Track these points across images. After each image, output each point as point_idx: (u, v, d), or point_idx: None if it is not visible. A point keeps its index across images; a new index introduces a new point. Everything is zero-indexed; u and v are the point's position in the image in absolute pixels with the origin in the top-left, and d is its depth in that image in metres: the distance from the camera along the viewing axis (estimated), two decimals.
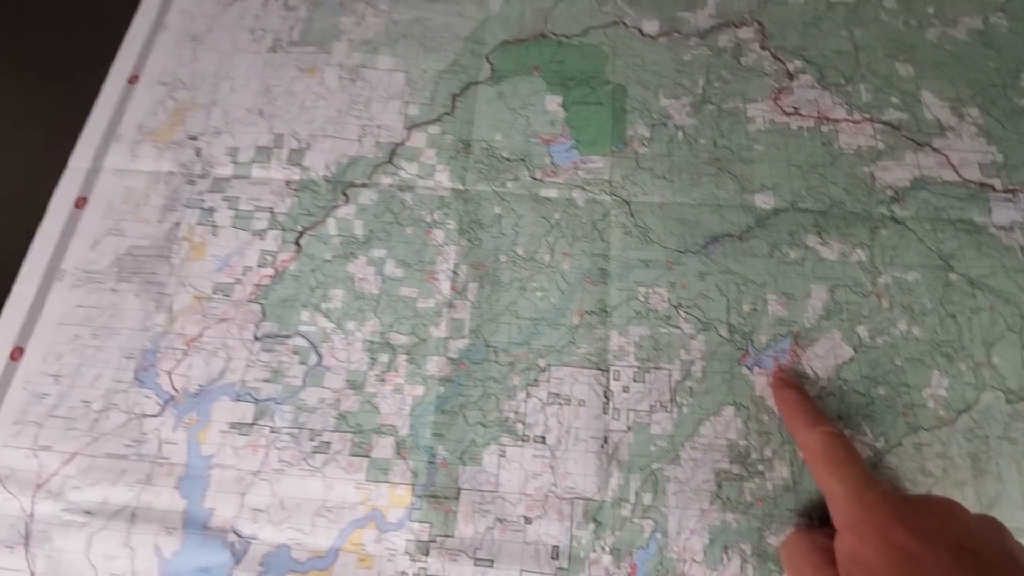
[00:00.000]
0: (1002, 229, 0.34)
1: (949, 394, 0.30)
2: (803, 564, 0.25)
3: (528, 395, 0.30)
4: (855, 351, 0.31)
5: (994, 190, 0.35)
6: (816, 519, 0.28)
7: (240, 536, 0.28)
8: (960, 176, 0.35)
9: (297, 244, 0.34)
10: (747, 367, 0.31)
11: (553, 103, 0.38)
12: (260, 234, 0.35)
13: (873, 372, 0.31)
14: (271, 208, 0.35)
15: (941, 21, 0.40)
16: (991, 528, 0.23)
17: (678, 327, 0.32)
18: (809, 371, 0.31)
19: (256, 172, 0.36)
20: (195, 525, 0.28)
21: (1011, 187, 0.35)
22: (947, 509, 0.23)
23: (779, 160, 0.36)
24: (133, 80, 0.40)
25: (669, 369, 0.31)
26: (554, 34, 0.41)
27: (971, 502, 0.28)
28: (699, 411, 0.30)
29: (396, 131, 0.37)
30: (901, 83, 0.38)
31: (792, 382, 0.30)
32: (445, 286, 0.33)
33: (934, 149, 0.36)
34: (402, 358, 0.31)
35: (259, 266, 0.34)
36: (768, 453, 0.29)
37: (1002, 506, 0.28)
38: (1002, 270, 0.33)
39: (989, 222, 0.34)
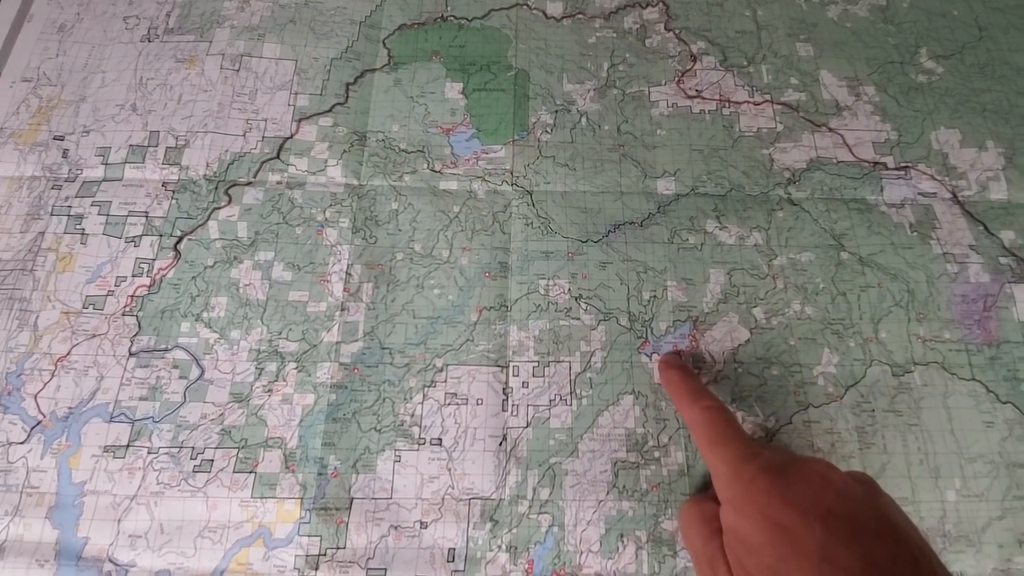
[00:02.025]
0: (892, 207, 0.36)
1: (838, 371, 0.32)
2: (694, 534, 0.26)
3: (425, 397, 0.31)
4: (751, 333, 0.32)
5: (887, 168, 0.37)
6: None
7: (117, 564, 0.27)
8: (854, 155, 0.37)
9: (175, 250, 0.33)
10: (646, 355, 0.32)
11: (453, 90, 0.38)
12: (134, 240, 0.33)
13: (767, 353, 0.32)
14: (146, 212, 0.34)
15: None
16: (864, 489, 0.24)
17: (578, 318, 0.32)
18: (707, 355, 0.32)
19: (129, 173, 0.35)
20: (69, 556, 0.28)
21: (903, 164, 0.37)
22: (821, 476, 0.24)
23: (681, 145, 0.37)
24: None
25: (569, 362, 0.32)
26: (455, 17, 0.40)
27: None
28: (598, 402, 0.31)
29: (284, 124, 0.36)
30: (801, 63, 0.39)
31: (676, 363, 0.31)
32: (338, 288, 0.33)
33: (831, 129, 0.37)
34: (291, 367, 0.31)
35: (134, 275, 0.33)
36: (664, 439, 0.30)
37: (887, 476, 0.30)
38: (891, 247, 0.34)
39: (881, 200, 0.36)
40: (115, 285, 0.32)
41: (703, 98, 0.38)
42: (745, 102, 0.38)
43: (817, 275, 0.34)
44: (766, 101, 0.38)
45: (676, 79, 0.39)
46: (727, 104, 0.38)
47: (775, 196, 0.36)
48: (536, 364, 0.31)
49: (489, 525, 0.28)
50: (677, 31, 0.40)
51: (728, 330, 0.32)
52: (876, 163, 0.37)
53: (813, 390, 0.31)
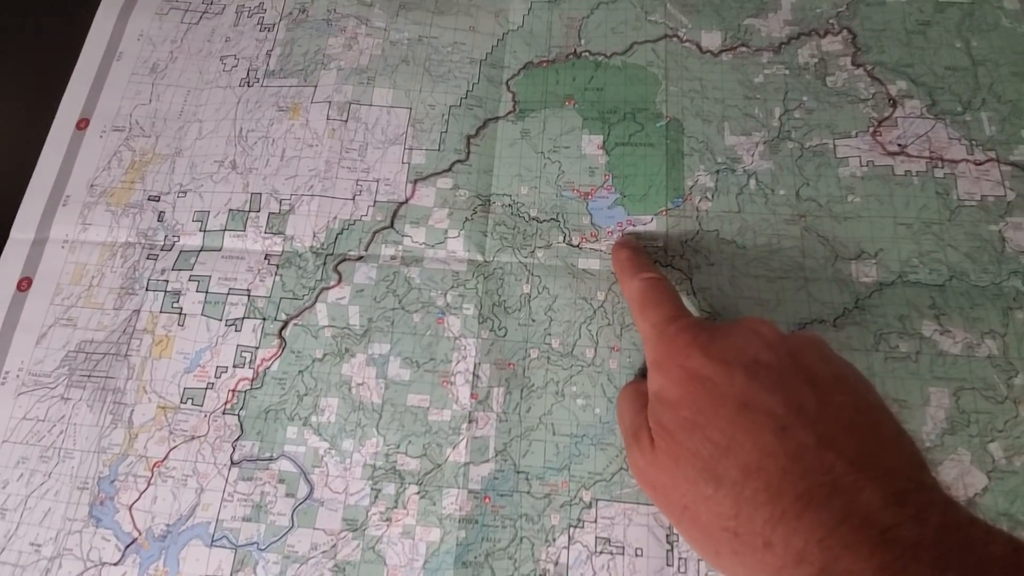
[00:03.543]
0: None
1: None
2: (626, 411, 0.25)
3: (571, 540, 0.26)
4: (989, 478, 0.26)
5: None
6: None
7: None
8: None
9: (280, 337, 0.30)
10: None
11: (592, 144, 0.32)
12: (235, 324, 0.30)
13: (1012, 507, 0.25)
14: (248, 290, 0.30)
15: None
16: (809, 343, 0.23)
17: None
18: None
19: (230, 243, 0.31)
20: None
21: None
22: (751, 329, 0.23)
23: (883, 217, 0.30)
24: (82, 125, 0.35)
25: None
26: (590, 53, 0.35)
27: None
28: None
29: (398, 186, 0.32)
30: None
31: (628, 242, 0.29)
32: (464, 392, 0.28)
33: None
34: (412, 490, 0.27)
35: (235, 366, 0.29)
36: None
37: None
38: None
39: None
40: (215, 376, 0.29)
41: (908, 155, 0.31)
42: (963, 160, 0.31)
43: None
44: (990, 160, 0.31)
45: (871, 130, 0.32)
46: (940, 163, 0.31)
47: (1011, 289, 0.28)
48: None
49: None
50: (869, 67, 0.33)
51: (959, 473, 0.26)
52: None
53: None
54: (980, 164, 0.31)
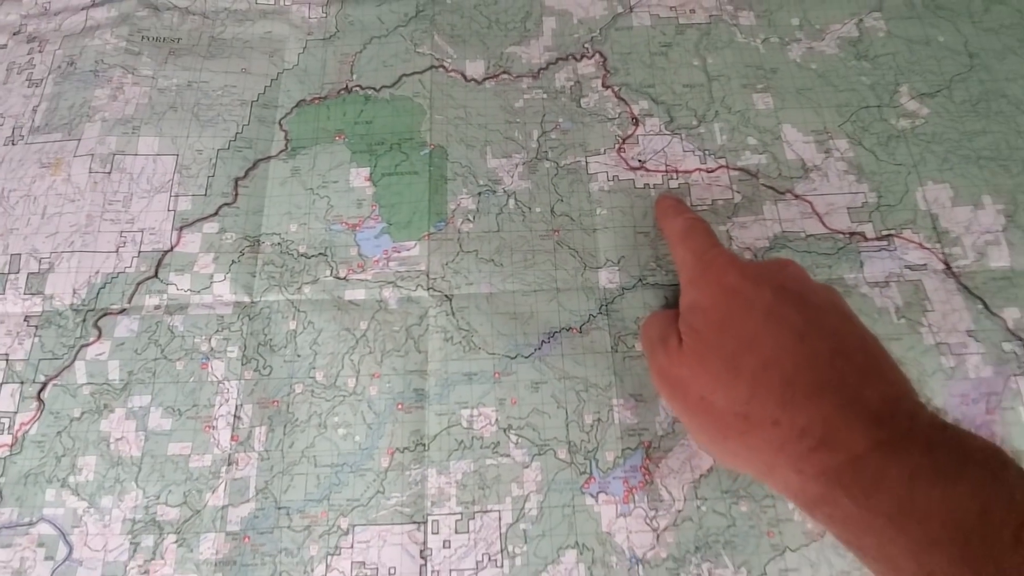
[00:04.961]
0: (875, 286, 0.32)
1: None
2: (653, 325, 0.27)
3: (328, 567, 0.27)
4: (713, 460, 0.29)
5: (866, 239, 0.33)
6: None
7: None
8: (827, 226, 0.33)
9: (39, 399, 0.30)
10: (592, 495, 0.28)
11: (359, 177, 0.34)
12: None
13: (734, 485, 0.28)
14: (7, 355, 0.30)
15: (807, 34, 0.38)
16: (826, 288, 0.26)
17: (508, 455, 0.29)
18: (664, 493, 0.28)
19: None
20: None
21: (886, 232, 0.33)
22: (782, 265, 0.26)
23: (625, 227, 0.33)
24: None
25: (498, 511, 0.28)
26: (360, 87, 0.36)
27: None
28: (535, 560, 0.27)
29: (163, 234, 0.33)
30: (759, 118, 0.35)
31: (672, 195, 0.33)
32: (224, 436, 0.29)
33: (797, 196, 0.33)
34: (170, 540, 0.27)
35: None
36: None
37: None
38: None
39: (861, 279, 0.32)
40: None
41: (647, 169, 0.34)
42: (696, 170, 0.34)
43: None
44: (721, 167, 0.34)
45: (617, 147, 0.35)
46: (675, 175, 0.34)
47: None
48: (459, 517, 0.28)
49: None
50: (616, 88, 0.36)
51: (687, 458, 0.29)
52: (853, 234, 0.33)
53: (790, 528, 0.28)
54: (711, 171, 0.34)
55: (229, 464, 0.29)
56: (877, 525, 0.20)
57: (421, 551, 0.27)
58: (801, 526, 0.28)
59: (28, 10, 0.39)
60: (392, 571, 0.27)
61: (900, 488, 0.20)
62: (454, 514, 0.28)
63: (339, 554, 0.27)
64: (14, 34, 0.39)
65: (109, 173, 0.34)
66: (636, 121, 0.35)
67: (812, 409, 0.22)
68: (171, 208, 0.33)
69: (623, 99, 0.36)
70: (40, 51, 0.38)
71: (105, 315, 0.31)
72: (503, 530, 0.28)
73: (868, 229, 0.33)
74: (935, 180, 0.34)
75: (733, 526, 0.28)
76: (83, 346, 0.30)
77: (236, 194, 0.34)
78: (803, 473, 0.21)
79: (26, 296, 0.31)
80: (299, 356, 0.31)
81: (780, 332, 0.23)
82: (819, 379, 0.22)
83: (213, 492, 0.28)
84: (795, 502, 0.23)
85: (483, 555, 0.27)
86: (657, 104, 0.36)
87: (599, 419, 0.29)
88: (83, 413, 0.29)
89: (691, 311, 0.26)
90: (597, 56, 0.37)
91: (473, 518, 0.28)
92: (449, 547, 0.27)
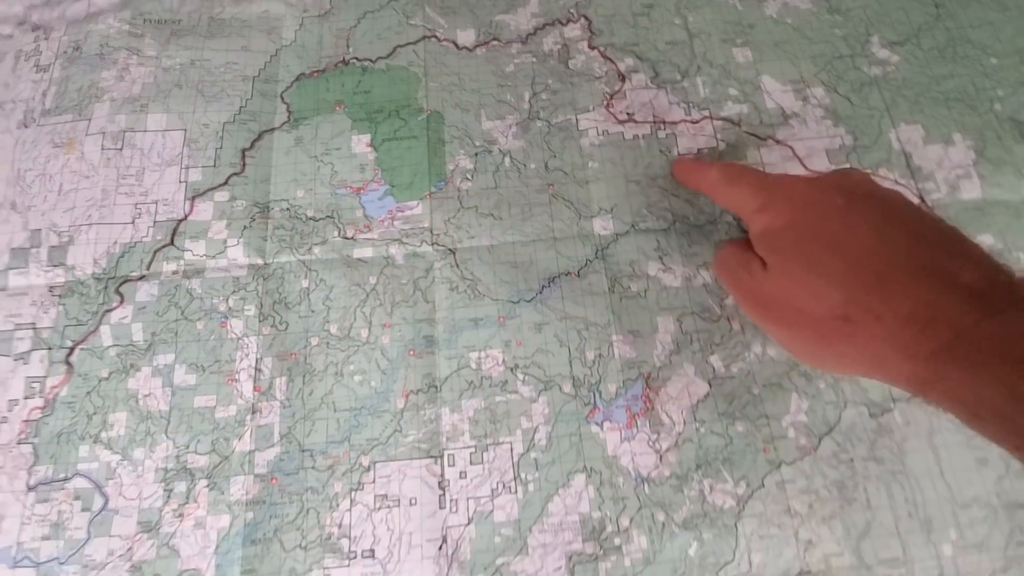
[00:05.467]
0: None
1: (809, 418, 0.30)
2: (729, 258, 0.29)
3: (352, 502, 0.29)
4: (710, 385, 0.31)
5: None
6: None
7: None
8: (807, 168, 0.35)
9: (68, 363, 0.31)
10: (596, 424, 0.30)
11: (361, 143, 0.36)
12: (23, 358, 0.32)
13: (730, 407, 0.30)
14: (33, 323, 0.32)
15: None
16: (893, 190, 0.26)
17: (516, 392, 0.31)
18: (664, 418, 0.30)
19: (14, 281, 0.33)
20: None
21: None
22: (845, 173, 0.27)
23: (616, 177, 0.35)
24: None
25: (510, 442, 0.30)
26: (357, 59, 0.38)
27: (840, 536, 0.28)
28: (547, 486, 0.29)
29: (176, 205, 0.34)
30: (740, 71, 0.37)
31: (686, 156, 0.35)
32: (247, 387, 0.31)
33: (778, 142, 0.36)
34: (202, 484, 0.29)
35: (26, 397, 0.31)
36: (624, 522, 0.29)
37: (873, 536, 0.28)
38: None
39: None
40: (8, 410, 0.31)
41: (635, 121, 0.36)
42: (682, 121, 0.36)
43: None
44: (705, 118, 0.36)
45: (605, 103, 0.37)
46: (662, 125, 0.36)
47: (724, 224, 0.34)
48: (473, 449, 0.30)
49: None
50: (602, 48, 0.38)
51: (684, 385, 0.31)
52: None
53: (784, 444, 0.30)
54: (696, 122, 0.36)
55: (253, 413, 0.30)
56: (993, 393, 0.21)
57: (439, 482, 0.29)
58: (795, 442, 0.30)
59: (32, 0, 0.40)
60: (413, 501, 0.29)
61: (1013, 351, 0.20)
62: (468, 447, 0.30)
63: (362, 489, 0.29)
64: (19, 24, 0.40)
65: (120, 149, 0.36)
66: (622, 77, 0.37)
67: (912, 296, 0.22)
68: (182, 179, 0.35)
69: (609, 58, 0.38)
70: (46, 38, 0.39)
71: (126, 282, 0.33)
72: (515, 460, 0.30)
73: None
74: (907, 122, 0.36)
75: (731, 444, 0.30)
76: (107, 311, 0.32)
77: (244, 164, 0.35)
78: (915, 357, 0.22)
79: (48, 268, 0.33)
80: (313, 311, 0.32)
81: (860, 232, 0.24)
82: (911, 267, 0.23)
83: (239, 439, 0.30)
84: (909, 388, 0.23)
85: (498, 483, 0.29)
86: (642, 61, 0.38)
87: (600, 354, 0.31)
88: (111, 373, 0.31)
89: (766, 236, 0.26)
90: (582, 20, 0.39)
91: (486, 450, 0.30)
92: (465, 477, 0.29)
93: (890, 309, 0.22)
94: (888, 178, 0.35)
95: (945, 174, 0.35)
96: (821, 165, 0.35)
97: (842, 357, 0.24)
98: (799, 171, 0.35)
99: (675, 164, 0.34)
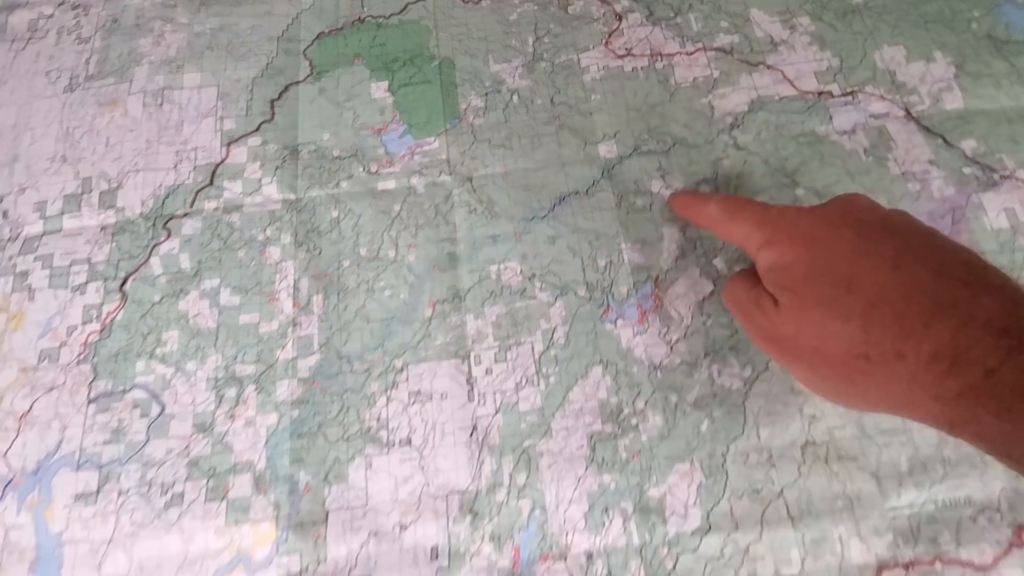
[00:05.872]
0: (844, 134, 0.36)
1: None
2: (739, 290, 0.28)
3: (389, 399, 0.32)
4: (714, 284, 0.33)
5: (833, 96, 0.37)
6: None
7: None
8: (797, 89, 0.38)
9: (121, 291, 0.35)
10: (610, 322, 0.33)
11: (379, 90, 0.39)
12: (80, 289, 0.35)
13: None
14: (88, 259, 0.35)
15: None
16: (899, 212, 0.26)
17: (534, 297, 0.33)
18: (673, 313, 0.33)
19: (68, 223, 0.36)
20: None
21: (849, 89, 0.38)
22: (849, 199, 0.27)
23: (618, 106, 0.38)
24: None
25: (531, 342, 0.32)
26: (372, 17, 0.42)
27: (842, 411, 0.31)
28: (567, 377, 0.32)
29: (213, 150, 0.38)
30: (730, 5, 0.40)
31: (682, 191, 0.35)
32: (287, 304, 0.34)
33: (768, 67, 0.38)
34: (250, 389, 0.32)
35: (84, 323, 0.34)
36: (640, 404, 0.31)
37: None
38: (847, 176, 0.35)
39: (831, 129, 0.36)
40: (67, 335, 0.34)
41: (633, 55, 0.39)
42: (677, 53, 0.39)
43: None
44: (699, 49, 0.39)
45: (604, 41, 0.40)
46: (659, 58, 0.39)
47: (720, 143, 0.36)
48: (497, 349, 0.32)
49: (469, 518, 0.29)
50: None
51: (691, 284, 0.33)
52: (821, 93, 0.37)
53: None
54: (691, 54, 0.39)
55: (294, 326, 0.33)
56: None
57: (467, 379, 0.32)
58: None
59: None
60: (444, 395, 0.32)
61: None
62: (492, 348, 0.32)
63: (396, 387, 0.32)
64: (59, 4, 0.44)
65: (161, 105, 0.39)
66: (619, 17, 0.40)
67: (934, 334, 0.21)
68: (218, 129, 0.38)
69: (605, 1, 0.41)
70: (85, 15, 0.43)
71: (172, 219, 0.36)
72: (536, 356, 0.32)
73: (834, 88, 0.38)
74: (889, 43, 0.39)
75: (736, 334, 0.32)
76: (155, 245, 0.35)
77: (273, 113, 0.39)
78: (941, 399, 0.21)
79: (100, 211, 0.37)
80: (343, 237, 0.35)
81: (874, 267, 0.23)
82: (931, 303, 0.22)
83: (283, 349, 0.33)
84: (937, 427, 0.22)
85: (521, 377, 0.32)
86: (637, 2, 0.41)
87: (611, 261, 0.34)
88: (162, 297, 0.34)
89: (774, 271, 0.25)
90: None
91: (509, 349, 0.32)
92: (491, 374, 0.32)
93: (912, 347, 0.21)
94: (874, 95, 0.37)
95: (928, 88, 0.37)
96: (810, 85, 0.38)
97: (867, 396, 0.24)
98: (790, 92, 0.38)
99: (672, 199, 0.34)
